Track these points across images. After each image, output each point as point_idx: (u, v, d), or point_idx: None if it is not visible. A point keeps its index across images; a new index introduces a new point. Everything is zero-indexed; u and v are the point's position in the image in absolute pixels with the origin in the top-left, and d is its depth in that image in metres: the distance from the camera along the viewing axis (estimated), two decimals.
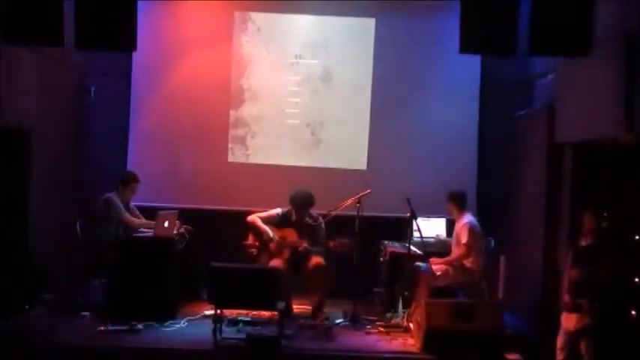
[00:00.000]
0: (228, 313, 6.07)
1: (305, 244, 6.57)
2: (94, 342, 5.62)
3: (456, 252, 6.50)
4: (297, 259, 6.59)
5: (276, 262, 6.44)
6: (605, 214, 5.40)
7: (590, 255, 5.26)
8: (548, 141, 6.50)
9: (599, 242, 5.27)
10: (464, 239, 6.39)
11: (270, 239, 6.62)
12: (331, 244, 6.51)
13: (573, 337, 5.27)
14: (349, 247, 6.43)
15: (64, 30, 5.21)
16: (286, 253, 6.61)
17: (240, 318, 6.25)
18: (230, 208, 7.62)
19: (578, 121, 5.97)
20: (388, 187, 7.48)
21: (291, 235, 6.67)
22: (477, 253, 6.47)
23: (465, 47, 5.30)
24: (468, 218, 6.53)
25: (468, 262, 6.43)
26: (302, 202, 6.68)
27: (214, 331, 5.65)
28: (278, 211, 6.78)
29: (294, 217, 6.73)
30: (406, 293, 6.47)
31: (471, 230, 6.40)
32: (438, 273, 6.41)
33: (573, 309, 5.27)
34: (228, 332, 5.86)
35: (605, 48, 5.28)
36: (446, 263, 6.44)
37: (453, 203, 6.64)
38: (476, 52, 6.51)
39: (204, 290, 6.70)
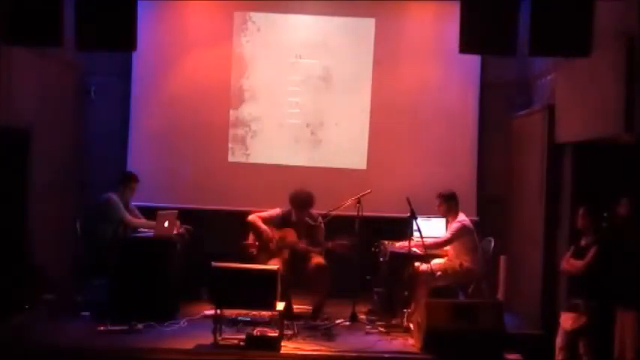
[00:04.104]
0: (228, 313, 6.07)
1: (304, 244, 6.58)
2: (94, 342, 5.63)
3: (438, 240, 6.56)
4: (297, 259, 6.59)
5: (274, 262, 6.44)
6: (605, 214, 5.41)
7: (588, 254, 5.28)
8: (548, 141, 6.50)
9: (597, 241, 5.29)
10: (448, 233, 6.50)
11: (270, 239, 6.62)
12: (330, 245, 6.52)
13: (572, 337, 5.29)
14: (348, 248, 6.43)
15: (64, 30, 5.21)
16: (285, 253, 6.60)
17: (240, 318, 6.26)
18: (230, 208, 7.62)
19: (578, 121, 5.97)
20: (388, 187, 7.49)
21: (291, 235, 6.67)
22: (474, 253, 6.48)
23: (465, 47, 5.30)
24: (461, 217, 6.55)
25: (466, 262, 6.44)
26: (301, 202, 6.68)
27: (214, 331, 5.65)
28: (278, 211, 6.77)
29: (293, 217, 6.73)
30: (406, 293, 6.47)
31: (459, 228, 6.44)
32: (438, 273, 6.40)
33: (570, 309, 5.29)
34: (228, 332, 5.86)
35: (605, 48, 5.28)
36: (428, 247, 6.40)
37: (446, 204, 6.62)
38: (476, 52, 6.52)
39: (204, 290, 6.73)
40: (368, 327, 6.33)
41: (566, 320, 5.32)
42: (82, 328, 5.98)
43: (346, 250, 6.45)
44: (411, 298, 6.38)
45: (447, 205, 6.61)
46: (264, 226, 6.66)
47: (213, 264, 5.72)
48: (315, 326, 6.29)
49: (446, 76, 7.91)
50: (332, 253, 6.59)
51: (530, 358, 5.70)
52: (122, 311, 6.08)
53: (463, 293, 6.54)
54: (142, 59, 7.73)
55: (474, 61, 7.74)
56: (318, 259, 6.56)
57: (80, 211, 7.10)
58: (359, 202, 6.61)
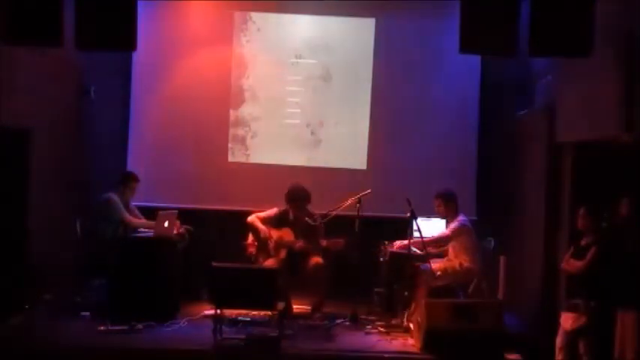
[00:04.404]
0: (228, 313, 6.07)
1: (301, 244, 6.58)
2: (94, 342, 5.62)
3: (436, 236, 6.59)
4: (294, 259, 6.59)
5: (270, 262, 6.45)
6: (605, 214, 5.41)
7: (588, 254, 5.28)
8: (548, 141, 6.50)
9: (597, 241, 5.29)
10: (447, 231, 6.53)
11: (267, 239, 6.62)
12: (325, 243, 6.52)
13: (572, 337, 5.29)
14: (343, 246, 6.44)
15: (64, 30, 5.22)
16: (283, 253, 6.61)
17: (240, 318, 6.25)
18: (230, 208, 7.62)
19: (578, 121, 5.98)
20: (388, 187, 7.49)
21: (288, 234, 6.67)
22: (473, 253, 6.47)
23: (465, 47, 5.31)
24: (460, 217, 6.55)
25: (466, 262, 6.43)
26: (296, 196, 6.68)
27: (214, 331, 5.65)
28: (275, 210, 6.78)
29: (291, 216, 6.74)
30: (406, 293, 6.47)
31: (458, 227, 6.43)
32: (438, 273, 6.40)
33: (570, 309, 5.29)
34: (228, 332, 5.85)
35: (605, 48, 5.28)
36: (427, 243, 6.40)
37: (445, 204, 6.59)
38: (476, 52, 6.51)
39: (204, 290, 6.73)
40: (368, 327, 6.33)
41: (566, 320, 5.32)
42: (82, 328, 5.97)
43: (341, 248, 6.45)
44: (411, 298, 6.38)
45: (447, 206, 6.60)
46: (262, 226, 6.66)
47: (213, 264, 5.72)
48: (315, 326, 6.30)
49: (446, 76, 7.90)
50: (328, 252, 6.59)
51: (530, 358, 5.70)
52: (122, 311, 6.07)
53: (463, 293, 6.54)
54: (141, 59, 7.73)
55: (474, 61, 7.73)
56: (316, 259, 6.56)
57: (80, 211, 7.10)
58: (359, 202, 6.60)
